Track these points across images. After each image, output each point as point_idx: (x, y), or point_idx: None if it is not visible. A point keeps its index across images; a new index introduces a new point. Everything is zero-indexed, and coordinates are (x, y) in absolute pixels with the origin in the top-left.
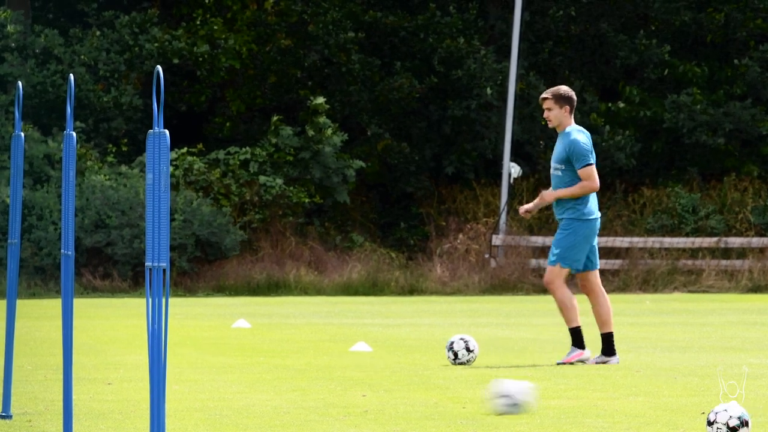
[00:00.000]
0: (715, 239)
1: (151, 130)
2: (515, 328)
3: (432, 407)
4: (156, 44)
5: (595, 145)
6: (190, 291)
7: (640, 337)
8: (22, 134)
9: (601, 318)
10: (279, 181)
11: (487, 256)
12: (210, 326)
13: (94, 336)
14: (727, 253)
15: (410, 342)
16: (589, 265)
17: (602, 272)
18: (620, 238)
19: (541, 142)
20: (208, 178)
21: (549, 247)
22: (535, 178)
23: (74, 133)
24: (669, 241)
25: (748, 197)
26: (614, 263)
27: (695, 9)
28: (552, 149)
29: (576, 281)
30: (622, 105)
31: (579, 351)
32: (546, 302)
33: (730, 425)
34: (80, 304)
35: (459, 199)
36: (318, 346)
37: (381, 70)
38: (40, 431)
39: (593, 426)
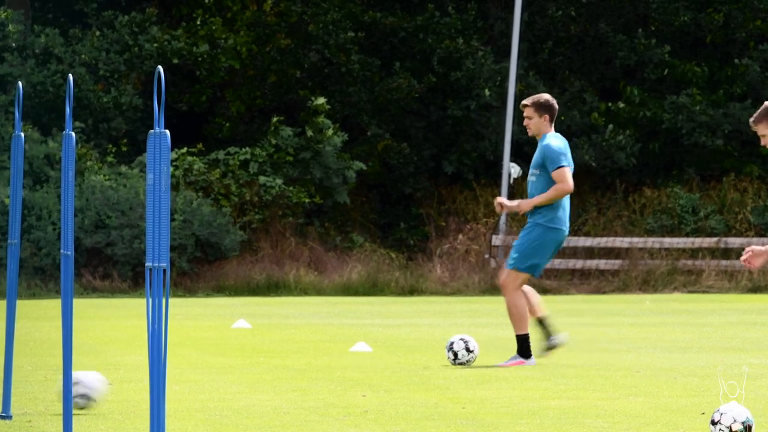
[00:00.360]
0: (714, 239)
1: (152, 131)
2: None
3: (432, 407)
4: (156, 44)
5: (595, 145)
6: (190, 291)
7: (640, 337)
8: (22, 134)
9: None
10: (279, 181)
11: (486, 256)
12: (210, 326)
13: (94, 336)
14: (726, 253)
15: (410, 342)
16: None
17: (602, 272)
18: (620, 239)
19: None
20: (208, 179)
21: None
22: None
23: (73, 134)
24: (669, 242)
25: (748, 197)
26: (614, 263)
27: (695, 9)
28: None
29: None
30: (622, 105)
31: (520, 359)
32: (546, 302)
33: (733, 429)
34: (80, 304)
35: (459, 199)
36: (318, 347)
37: (380, 70)
38: (40, 431)
39: (593, 426)
